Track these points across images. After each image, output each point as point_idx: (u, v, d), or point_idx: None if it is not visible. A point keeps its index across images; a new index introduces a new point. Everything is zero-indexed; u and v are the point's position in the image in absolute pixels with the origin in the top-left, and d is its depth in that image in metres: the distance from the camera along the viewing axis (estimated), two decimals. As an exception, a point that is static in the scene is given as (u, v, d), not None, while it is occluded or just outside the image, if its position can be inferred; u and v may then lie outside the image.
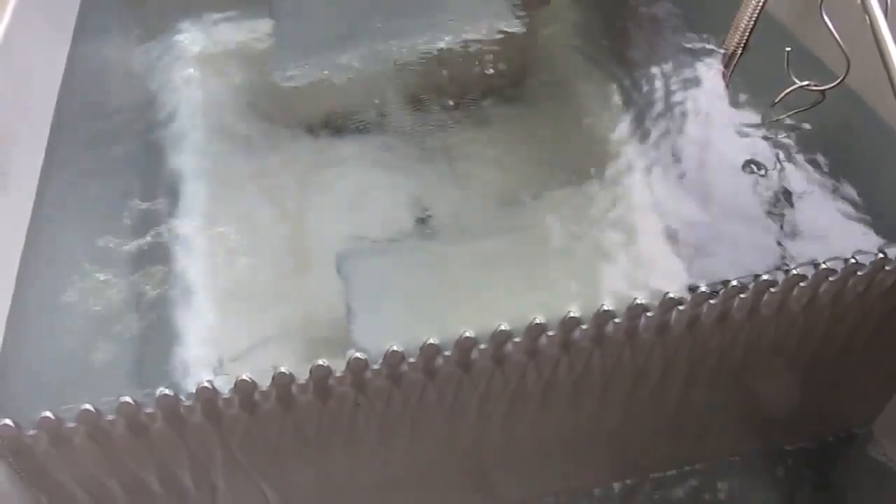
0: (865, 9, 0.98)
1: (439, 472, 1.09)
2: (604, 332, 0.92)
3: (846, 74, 1.08)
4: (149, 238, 1.00)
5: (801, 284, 0.95)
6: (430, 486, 1.11)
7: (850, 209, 1.04)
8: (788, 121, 1.17)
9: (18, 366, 0.87)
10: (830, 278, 0.96)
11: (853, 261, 0.95)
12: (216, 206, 1.05)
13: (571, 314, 0.90)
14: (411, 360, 0.88)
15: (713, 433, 1.19)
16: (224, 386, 0.84)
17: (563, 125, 1.20)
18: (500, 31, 1.38)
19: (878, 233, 1.00)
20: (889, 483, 1.22)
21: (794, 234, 1.01)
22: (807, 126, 1.16)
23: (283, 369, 0.84)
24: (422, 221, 1.03)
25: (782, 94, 1.17)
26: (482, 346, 0.89)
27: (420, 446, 1.01)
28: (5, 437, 0.80)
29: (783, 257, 0.98)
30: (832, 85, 1.12)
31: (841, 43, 1.06)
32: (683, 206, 1.05)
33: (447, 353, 0.88)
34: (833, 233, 1.01)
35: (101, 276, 0.95)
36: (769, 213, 1.04)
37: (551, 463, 1.15)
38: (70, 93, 1.23)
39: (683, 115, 1.20)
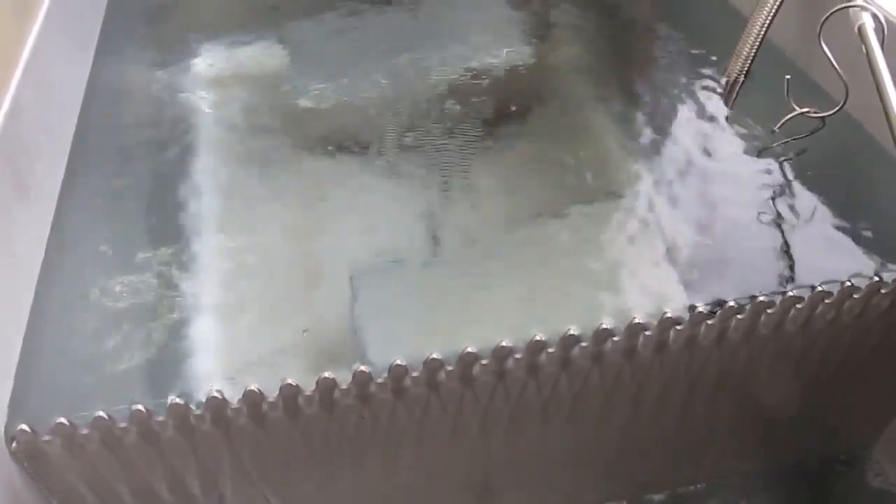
0: (862, 38, 1.00)
1: (442, 484, 1.10)
2: (603, 349, 0.94)
3: (844, 102, 1.10)
4: (164, 250, 1.03)
5: (798, 306, 0.97)
6: (432, 498, 1.13)
7: (847, 233, 1.05)
8: (789, 147, 1.19)
9: (36, 372, 0.89)
10: (826, 300, 0.97)
11: (849, 283, 0.97)
12: (231, 222, 1.09)
13: (571, 332, 0.92)
14: (415, 373, 0.90)
15: (710, 453, 1.20)
16: (233, 396, 0.87)
17: (571, 149, 1.23)
18: (512, 58, 1.41)
19: (874, 257, 1.01)
20: (888, 505, 1.23)
21: (792, 258, 1.03)
22: (807, 152, 1.18)
23: (290, 381, 0.87)
24: (432, 240, 1.06)
25: (783, 121, 1.19)
26: (484, 362, 0.91)
27: (423, 458, 1.03)
28: (22, 441, 0.83)
29: (781, 280, 0.99)
30: (831, 112, 1.14)
31: (839, 70, 1.08)
32: (685, 228, 1.07)
33: (450, 367, 0.91)
34: (831, 257, 1.03)
35: (118, 287, 0.98)
36: (769, 236, 1.06)
37: (551, 478, 1.16)
38: (91, 110, 1.28)
39: (686, 140, 1.22)
